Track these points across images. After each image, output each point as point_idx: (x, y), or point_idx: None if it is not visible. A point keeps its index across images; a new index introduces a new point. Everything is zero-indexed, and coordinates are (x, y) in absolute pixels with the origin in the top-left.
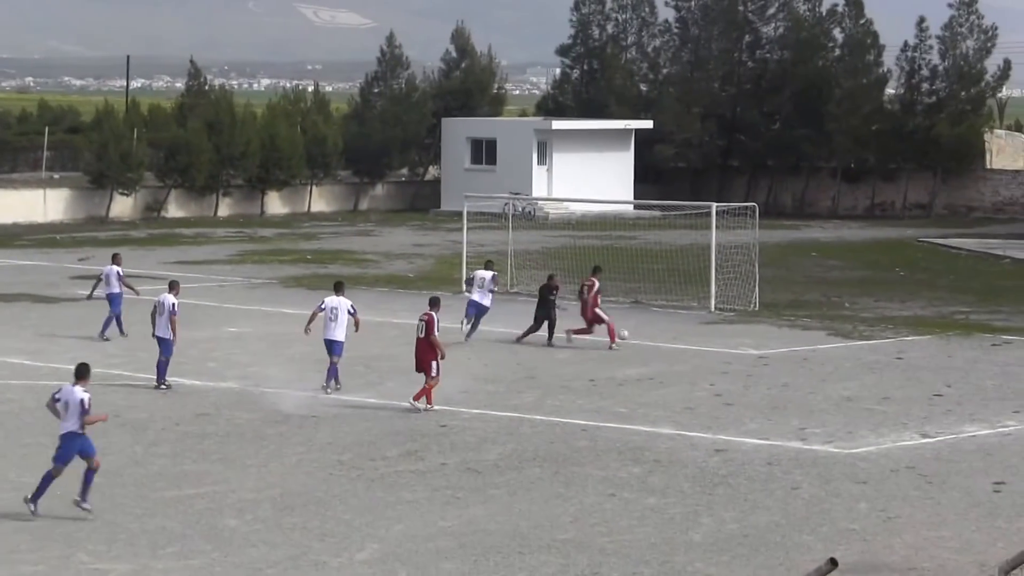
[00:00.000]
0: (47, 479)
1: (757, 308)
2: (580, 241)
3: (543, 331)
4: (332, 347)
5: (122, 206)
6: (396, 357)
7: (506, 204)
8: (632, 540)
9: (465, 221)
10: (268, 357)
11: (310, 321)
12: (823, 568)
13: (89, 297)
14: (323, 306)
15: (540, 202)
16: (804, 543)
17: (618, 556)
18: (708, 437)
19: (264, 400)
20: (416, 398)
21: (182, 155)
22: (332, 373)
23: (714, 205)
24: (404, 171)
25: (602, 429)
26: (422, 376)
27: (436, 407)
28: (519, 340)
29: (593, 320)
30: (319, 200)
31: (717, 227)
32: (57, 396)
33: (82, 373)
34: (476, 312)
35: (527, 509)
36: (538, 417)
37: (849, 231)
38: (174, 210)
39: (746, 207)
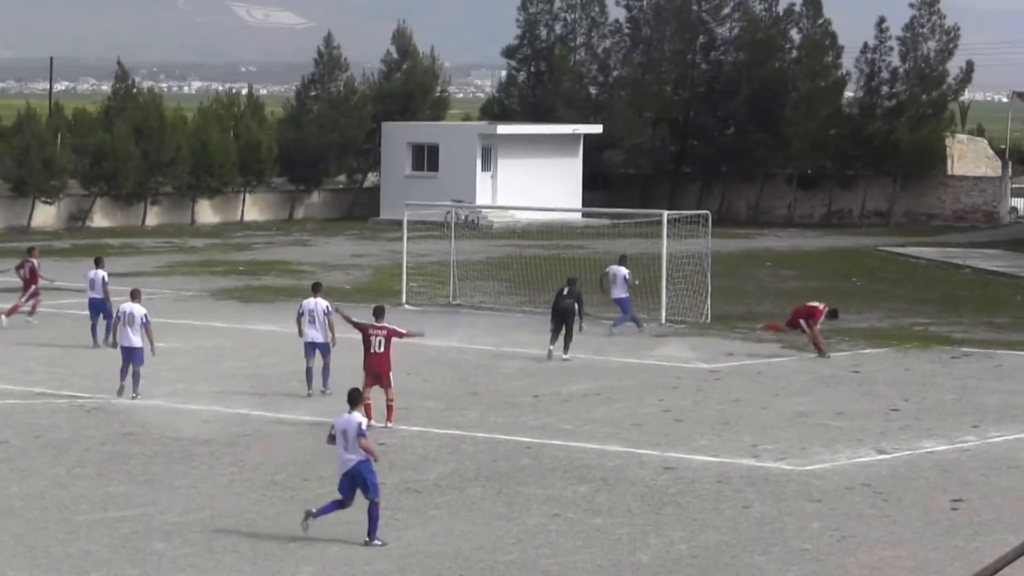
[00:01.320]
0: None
1: (709, 320)
2: (526, 251)
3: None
4: (316, 349)
5: (45, 215)
6: (332, 372)
7: (448, 212)
8: (577, 562)
9: (405, 230)
10: (197, 373)
11: (300, 328)
12: None
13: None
14: (301, 309)
15: (484, 210)
16: (755, 564)
17: None
18: (657, 454)
19: (193, 418)
20: (390, 419)
21: (108, 161)
22: (324, 374)
23: (665, 213)
24: (342, 178)
25: (547, 447)
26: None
27: (375, 424)
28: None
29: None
30: (252, 209)
31: (668, 236)
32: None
33: (355, 399)
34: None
35: (469, 530)
36: (481, 435)
37: (805, 240)
38: (100, 219)
39: (698, 215)
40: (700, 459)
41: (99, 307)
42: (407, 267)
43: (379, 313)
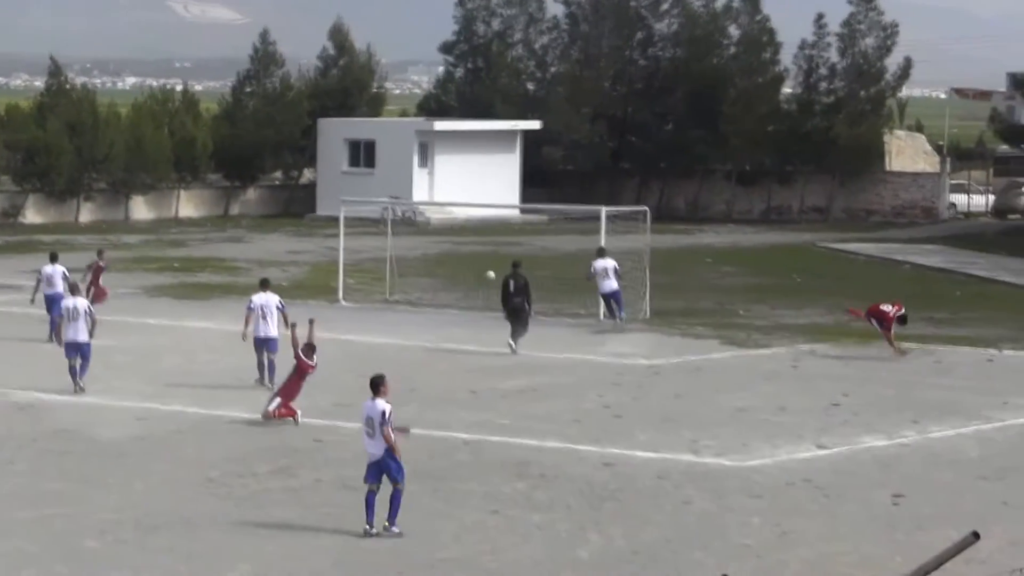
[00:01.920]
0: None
1: (648, 316)
2: (463, 248)
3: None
4: (268, 345)
5: None
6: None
7: (385, 209)
8: (517, 559)
9: (342, 227)
10: (132, 371)
11: (246, 325)
12: None
13: (32, 301)
14: (252, 305)
15: (421, 207)
16: (696, 560)
17: (502, 575)
18: (596, 450)
19: (128, 416)
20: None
21: (41, 157)
22: (271, 370)
23: (604, 209)
24: (278, 174)
25: (485, 443)
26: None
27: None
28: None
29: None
30: (187, 205)
31: (607, 232)
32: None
33: (377, 385)
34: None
35: (406, 527)
36: (417, 431)
37: (744, 236)
38: (32, 216)
39: (637, 211)
40: (640, 455)
41: (59, 302)
42: (344, 264)
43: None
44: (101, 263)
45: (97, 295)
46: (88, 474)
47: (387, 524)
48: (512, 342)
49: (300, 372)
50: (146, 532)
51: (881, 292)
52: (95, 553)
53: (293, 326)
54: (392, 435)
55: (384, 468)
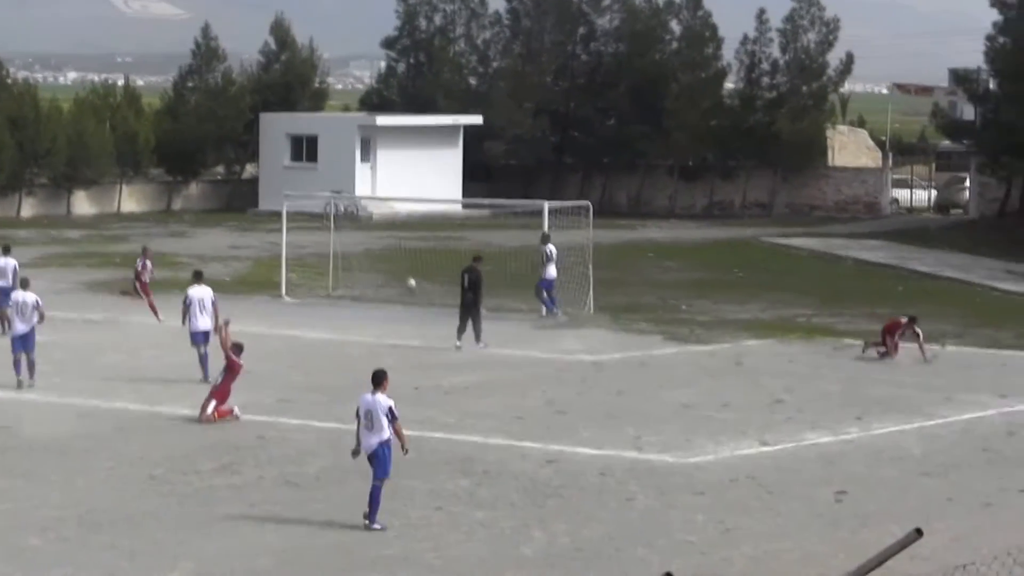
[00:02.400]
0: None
1: (591, 311)
2: (406, 242)
3: None
4: (201, 337)
5: None
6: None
7: (328, 204)
8: (460, 556)
9: (285, 221)
10: (74, 367)
11: (184, 318)
12: None
13: None
14: (190, 299)
15: (364, 201)
16: (640, 557)
17: (446, 572)
18: (540, 447)
19: (70, 412)
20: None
21: None
22: (204, 363)
23: (546, 204)
24: (220, 169)
25: (428, 439)
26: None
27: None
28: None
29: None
30: (129, 200)
31: (550, 227)
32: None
33: (379, 380)
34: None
35: (350, 524)
36: None
37: (687, 231)
38: None
39: (580, 206)
40: (584, 452)
41: (8, 294)
42: (286, 259)
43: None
44: (147, 261)
45: (143, 291)
46: (30, 471)
47: (366, 524)
48: (458, 342)
49: (232, 372)
50: (89, 529)
51: (824, 287)
52: (37, 551)
53: (223, 326)
54: (401, 431)
55: (373, 460)
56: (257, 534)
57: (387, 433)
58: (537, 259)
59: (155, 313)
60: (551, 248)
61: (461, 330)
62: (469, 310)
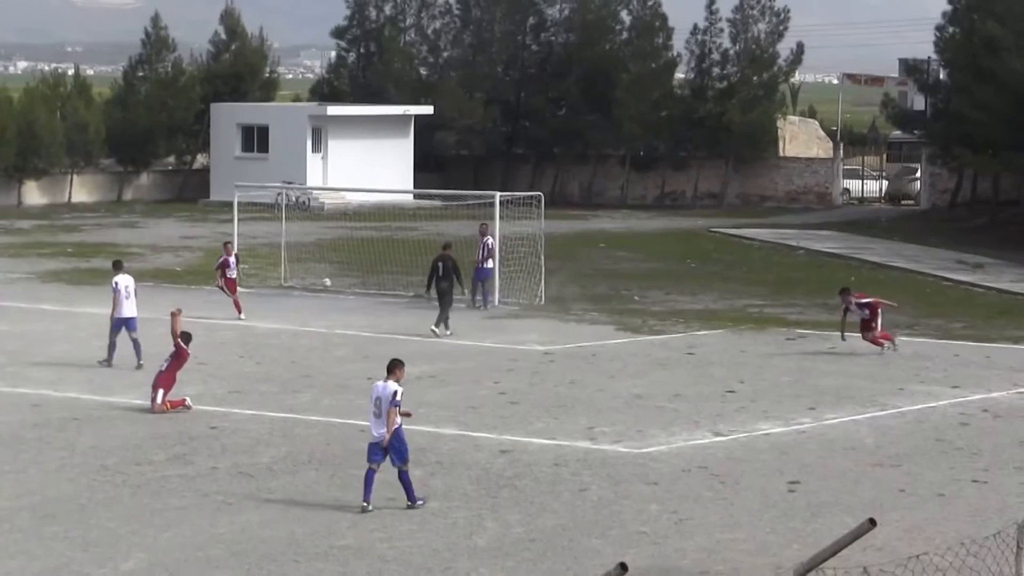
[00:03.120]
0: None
1: (543, 302)
2: (357, 232)
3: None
4: (130, 324)
5: None
6: (163, 355)
7: (279, 194)
8: (413, 546)
9: (236, 212)
10: (26, 357)
11: (115, 306)
12: (612, 573)
13: None
14: (118, 287)
15: (315, 192)
16: (593, 547)
17: (398, 563)
18: (493, 437)
19: (23, 402)
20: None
21: None
22: (137, 348)
23: (498, 194)
24: (171, 159)
25: None
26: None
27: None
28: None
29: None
30: (80, 190)
31: (501, 217)
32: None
33: (392, 368)
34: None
35: (303, 515)
36: (314, 418)
37: (638, 221)
38: None
39: (531, 196)
40: (536, 442)
41: None
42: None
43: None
44: (229, 257)
45: (228, 286)
46: None
47: (409, 504)
48: (435, 327)
49: (180, 360)
50: (42, 520)
51: (776, 277)
52: None
53: (176, 314)
54: (395, 415)
55: (390, 450)
56: (210, 524)
57: (397, 420)
58: (480, 251)
59: (239, 310)
60: (490, 240)
61: (443, 317)
62: (443, 297)
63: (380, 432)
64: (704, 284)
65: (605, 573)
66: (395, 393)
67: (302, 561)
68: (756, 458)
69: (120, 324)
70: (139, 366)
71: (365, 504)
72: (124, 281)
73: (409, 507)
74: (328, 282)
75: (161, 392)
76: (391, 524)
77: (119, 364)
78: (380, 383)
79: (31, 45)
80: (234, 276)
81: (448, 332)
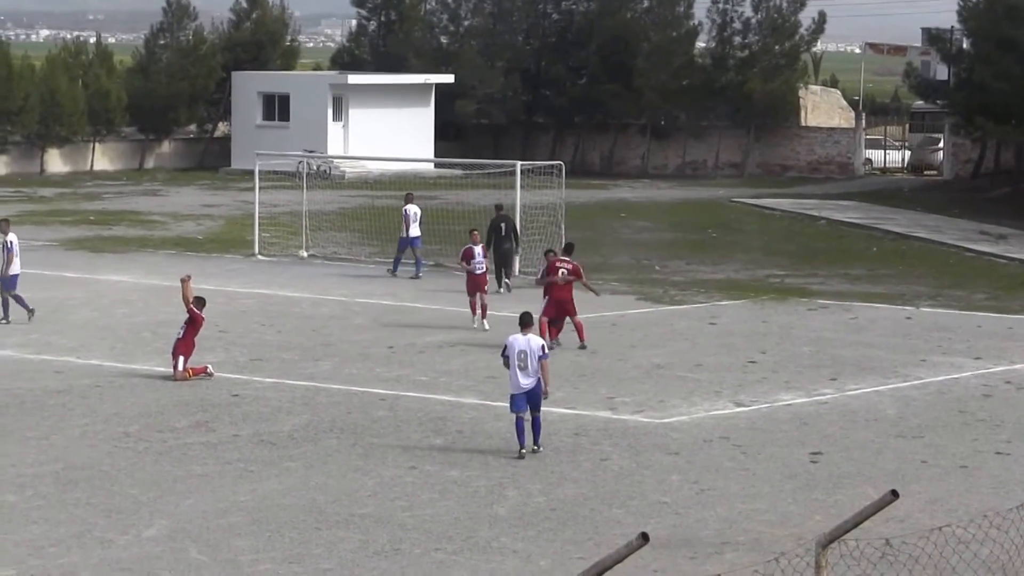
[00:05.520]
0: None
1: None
2: (378, 201)
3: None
4: (13, 282)
5: None
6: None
7: (300, 162)
8: (434, 514)
9: (257, 180)
10: (48, 324)
11: (8, 264)
12: (634, 543)
13: None
14: (10, 245)
15: (336, 160)
16: (614, 517)
17: (419, 531)
18: None
19: (46, 369)
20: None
21: None
22: (6, 306)
23: (519, 163)
24: (192, 128)
25: (402, 398)
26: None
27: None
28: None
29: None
30: (102, 158)
31: (522, 187)
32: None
33: (527, 321)
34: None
35: (324, 483)
36: (335, 386)
37: (659, 191)
38: None
39: (552, 166)
40: (557, 411)
41: None
42: (259, 218)
43: None
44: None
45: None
46: (6, 427)
47: (535, 447)
48: (502, 287)
49: (195, 326)
50: (65, 487)
51: (797, 248)
52: (13, 507)
53: (186, 280)
54: (547, 366)
55: (532, 397)
56: (232, 492)
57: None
58: (404, 218)
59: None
60: (413, 208)
61: (500, 276)
62: (507, 259)
63: (528, 382)
64: (725, 254)
65: (626, 543)
66: (542, 346)
67: (323, 529)
68: (777, 428)
69: (11, 282)
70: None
71: (522, 451)
72: (11, 238)
73: (535, 451)
74: (304, 254)
75: (182, 359)
76: (412, 492)
77: (143, 332)
78: (519, 337)
79: (53, 13)
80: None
81: (500, 290)
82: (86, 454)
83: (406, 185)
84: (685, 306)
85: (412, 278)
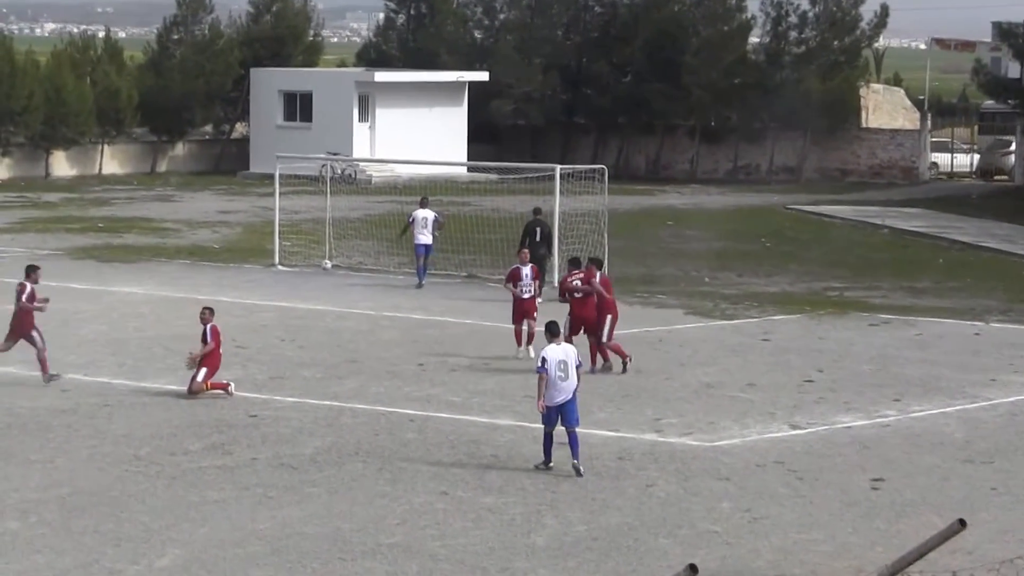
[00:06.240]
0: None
1: None
2: (407, 207)
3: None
4: None
5: None
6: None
7: (323, 166)
8: (467, 544)
9: (277, 185)
10: (54, 339)
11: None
12: (681, 575)
13: None
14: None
15: (362, 164)
16: (660, 547)
17: (451, 562)
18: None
19: (50, 387)
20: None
21: None
22: None
23: (558, 167)
24: (208, 128)
25: (432, 420)
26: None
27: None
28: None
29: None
30: (111, 161)
31: (561, 192)
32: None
33: (555, 331)
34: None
35: (349, 510)
36: (361, 406)
37: (709, 197)
38: None
39: (594, 170)
40: (599, 434)
41: None
42: (279, 225)
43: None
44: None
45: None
46: (9, 450)
47: (575, 463)
48: None
49: (215, 336)
50: (71, 513)
51: (857, 258)
52: (16, 535)
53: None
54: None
55: (565, 412)
56: (250, 519)
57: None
58: (411, 224)
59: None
60: (423, 213)
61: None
62: (540, 264)
63: (564, 396)
64: (780, 265)
65: (674, 575)
66: (578, 354)
67: (348, 560)
68: (836, 453)
69: None
70: None
71: (549, 465)
72: None
73: (575, 471)
74: (328, 264)
75: (204, 371)
76: (444, 520)
77: (155, 348)
78: (554, 347)
79: (59, 5)
80: None
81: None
82: (94, 478)
83: (438, 190)
84: (737, 321)
85: (416, 287)
